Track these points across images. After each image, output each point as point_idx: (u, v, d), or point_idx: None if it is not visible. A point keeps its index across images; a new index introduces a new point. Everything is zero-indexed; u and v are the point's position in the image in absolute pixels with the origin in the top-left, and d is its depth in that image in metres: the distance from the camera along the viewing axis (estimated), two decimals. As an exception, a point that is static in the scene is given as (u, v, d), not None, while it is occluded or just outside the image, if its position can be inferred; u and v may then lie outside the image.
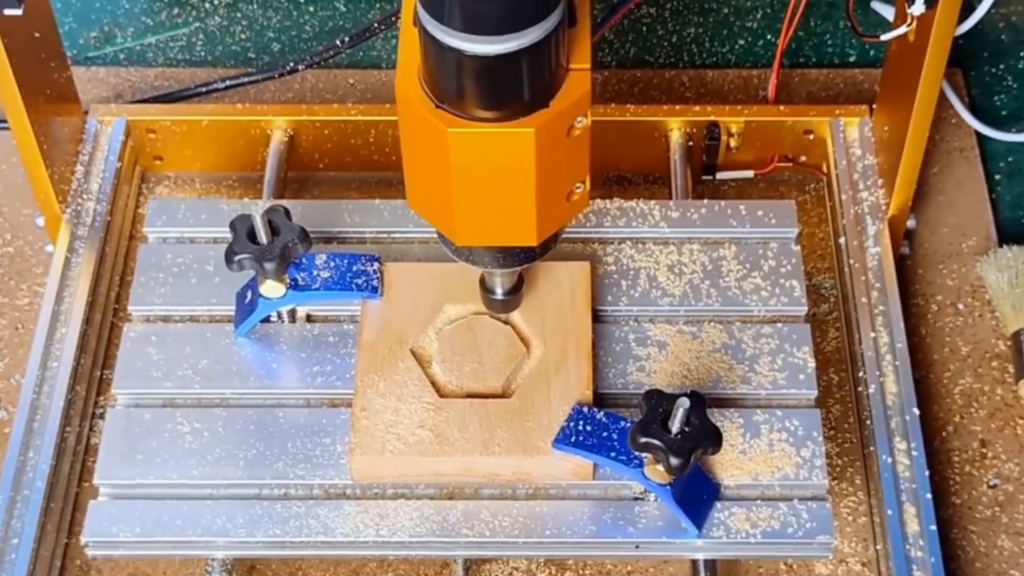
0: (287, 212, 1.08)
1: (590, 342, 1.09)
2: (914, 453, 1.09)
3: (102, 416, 1.16)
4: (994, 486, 1.15)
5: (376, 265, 1.12)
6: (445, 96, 0.85)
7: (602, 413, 1.04)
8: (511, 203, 0.89)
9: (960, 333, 1.23)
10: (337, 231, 1.18)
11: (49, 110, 1.19)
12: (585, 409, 1.05)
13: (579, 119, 0.87)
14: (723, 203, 1.19)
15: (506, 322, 1.10)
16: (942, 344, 1.23)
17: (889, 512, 1.07)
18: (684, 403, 0.97)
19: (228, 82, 1.36)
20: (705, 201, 1.20)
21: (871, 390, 1.12)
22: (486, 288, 1.04)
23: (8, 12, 1.07)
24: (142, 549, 1.06)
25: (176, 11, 1.46)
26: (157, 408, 1.09)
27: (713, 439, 0.98)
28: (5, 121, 1.16)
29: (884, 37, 1.16)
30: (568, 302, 1.11)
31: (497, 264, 0.97)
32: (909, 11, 1.09)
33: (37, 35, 1.15)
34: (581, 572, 1.11)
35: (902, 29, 1.14)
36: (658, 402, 0.99)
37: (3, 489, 1.08)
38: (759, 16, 1.45)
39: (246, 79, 1.36)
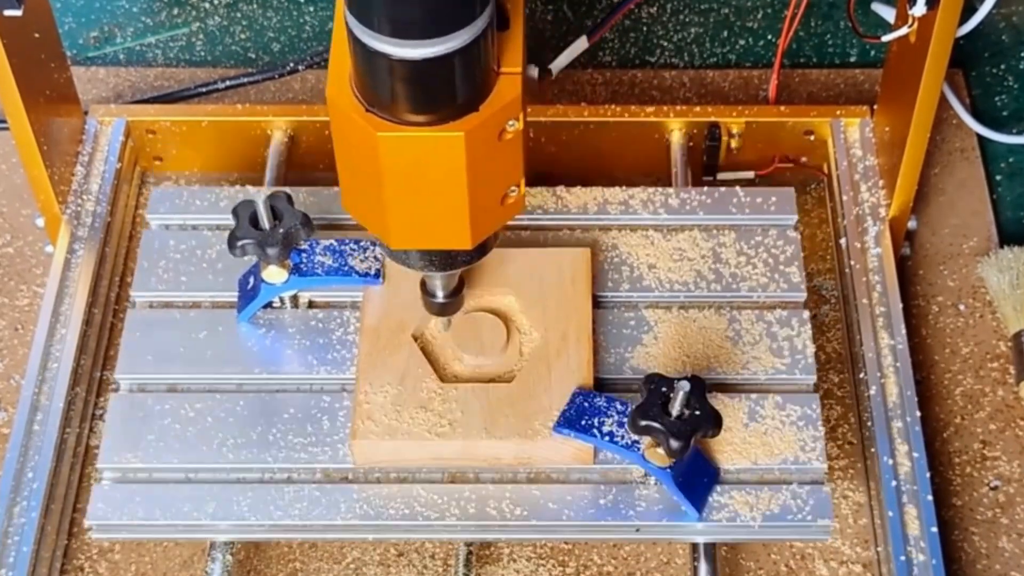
0: (289, 198, 1.09)
1: (590, 328, 1.10)
2: (915, 455, 1.09)
3: (102, 417, 1.16)
4: (995, 488, 1.15)
5: (378, 251, 1.13)
6: (375, 100, 0.85)
7: (602, 397, 1.05)
8: (444, 207, 0.89)
9: (961, 334, 1.23)
10: (338, 218, 1.19)
11: (49, 110, 1.19)
12: (585, 393, 1.06)
13: (511, 123, 0.87)
14: (723, 190, 1.20)
15: (507, 307, 1.11)
16: (943, 345, 1.23)
17: (890, 514, 1.07)
18: (684, 386, 0.98)
19: (228, 82, 1.36)
20: (705, 188, 1.21)
21: (872, 391, 1.12)
22: (427, 292, 1.05)
23: (8, 12, 1.07)
24: (146, 532, 1.07)
25: (176, 11, 1.46)
26: (160, 393, 1.10)
27: (713, 422, 0.99)
28: (5, 121, 1.16)
29: (885, 38, 1.16)
30: (569, 288, 1.12)
31: (434, 267, 0.97)
32: (910, 12, 1.09)
33: (37, 35, 1.15)
34: (581, 572, 1.11)
35: (903, 30, 1.14)
36: (658, 385, 1.00)
37: (3, 489, 1.08)
38: (760, 16, 1.45)
39: (246, 79, 1.36)
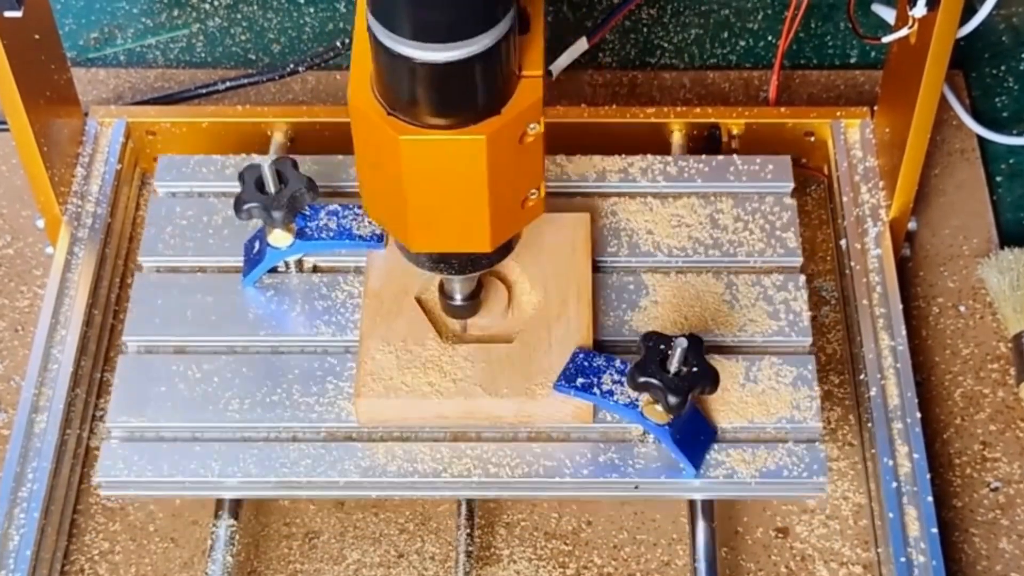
0: (294, 163, 1.10)
1: (590, 290, 1.11)
2: (915, 456, 1.09)
3: (102, 419, 1.16)
4: (995, 489, 1.15)
5: None
6: (397, 104, 0.85)
7: (601, 357, 1.06)
8: (465, 210, 0.90)
9: (961, 335, 1.23)
10: (343, 185, 1.20)
11: (49, 112, 1.19)
12: (585, 353, 1.07)
13: (532, 126, 0.88)
14: (720, 158, 1.22)
15: (508, 271, 1.12)
16: (943, 346, 1.23)
17: (890, 515, 1.07)
18: (682, 343, 0.99)
19: (228, 83, 1.36)
20: (703, 157, 1.22)
21: (872, 393, 1.12)
22: (445, 294, 1.05)
23: (8, 14, 1.07)
24: (154, 489, 1.08)
25: (176, 12, 1.46)
26: (167, 355, 1.12)
27: (710, 379, 1.00)
28: (5, 123, 1.16)
29: (886, 39, 1.16)
30: (568, 252, 1.13)
31: (453, 271, 0.98)
32: (911, 13, 1.09)
33: (37, 37, 1.15)
34: (581, 573, 1.11)
35: (903, 31, 1.13)
36: (656, 343, 1.01)
37: (3, 491, 1.08)
38: (760, 17, 1.45)
39: (246, 80, 1.36)
